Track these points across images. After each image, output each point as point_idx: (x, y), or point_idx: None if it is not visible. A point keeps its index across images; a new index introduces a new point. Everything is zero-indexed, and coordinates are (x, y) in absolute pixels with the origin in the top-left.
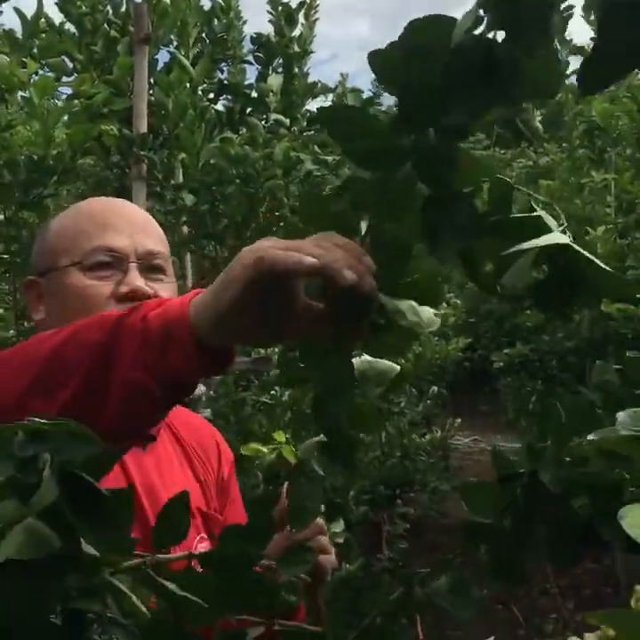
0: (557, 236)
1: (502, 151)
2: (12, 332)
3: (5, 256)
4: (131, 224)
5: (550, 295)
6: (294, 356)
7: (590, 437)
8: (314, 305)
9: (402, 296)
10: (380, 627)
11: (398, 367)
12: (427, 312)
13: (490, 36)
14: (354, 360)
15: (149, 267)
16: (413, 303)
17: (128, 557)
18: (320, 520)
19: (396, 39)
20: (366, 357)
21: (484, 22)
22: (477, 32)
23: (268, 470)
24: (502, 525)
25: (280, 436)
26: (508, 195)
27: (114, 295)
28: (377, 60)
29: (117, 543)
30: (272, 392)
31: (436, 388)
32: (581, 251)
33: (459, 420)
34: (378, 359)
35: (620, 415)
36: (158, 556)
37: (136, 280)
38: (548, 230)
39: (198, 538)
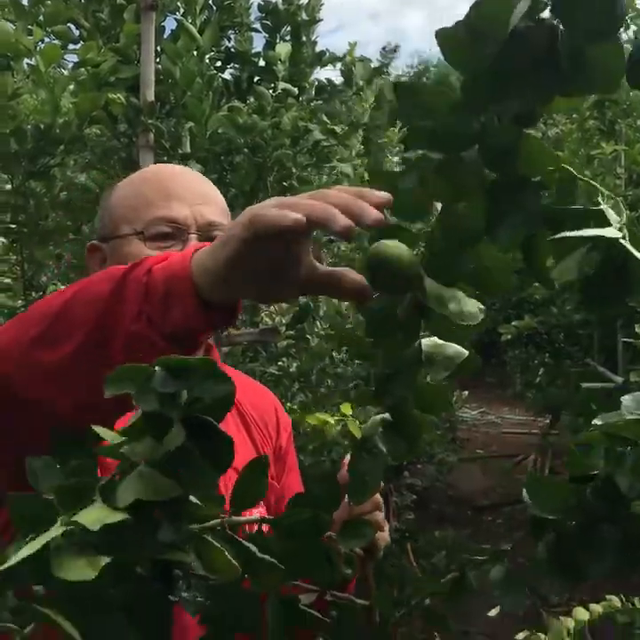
0: (609, 230)
1: None
2: (20, 302)
3: (13, 226)
4: (193, 194)
5: (597, 292)
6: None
7: (596, 422)
8: (319, 268)
9: (464, 282)
10: (428, 608)
11: (466, 352)
12: (471, 305)
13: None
14: (423, 341)
15: (209, 238)
16: (459, 293)
17: (218, 513)
18: (378, 496)
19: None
20: (435, 339)
21: (548, 6)
22: (539, 16)
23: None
24: (568, 525)
25: (346, 409)
26: (573, 185)
27: None
28: (443, 39)
29: (211, 498)
30: (280, 363)
31: None
32: (629, 246)
33: (466, 393)
34: (447, 342)
35: (625, 399)
36: (233, 518)
37: None
38: (608, 224)
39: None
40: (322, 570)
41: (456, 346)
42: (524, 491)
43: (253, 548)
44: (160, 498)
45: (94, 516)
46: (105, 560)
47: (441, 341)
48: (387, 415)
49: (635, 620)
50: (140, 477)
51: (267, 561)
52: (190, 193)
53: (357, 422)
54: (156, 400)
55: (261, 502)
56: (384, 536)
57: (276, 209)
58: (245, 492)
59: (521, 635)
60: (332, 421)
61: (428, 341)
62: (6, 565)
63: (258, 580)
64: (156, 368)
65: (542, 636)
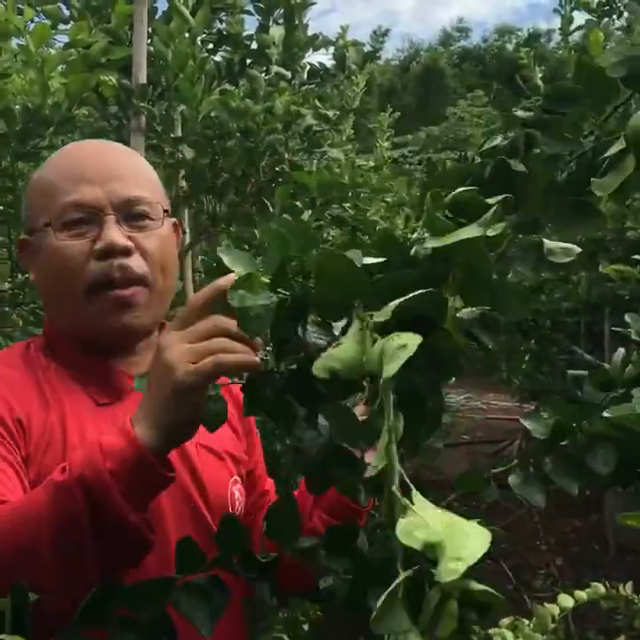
0: None
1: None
2: (7, 284)
3: (1, 207)
4: (103, 172)
5: None
6: None
7: (606, 414)
8: None
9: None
10: None
11: (579, 249)
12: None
13: None
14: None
15: (130, 215)
16: None
17: None
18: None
19: None
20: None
21: None
22: None
23: None
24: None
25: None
26: None
27: (91, 253)
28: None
29: None
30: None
31: None
32: None
33: (452, 378)
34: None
35: (636, 391)
36: None
37: (112, 234)
38: None
39: (232, 480)
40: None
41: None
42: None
43: None
44: None
45: None
46: None
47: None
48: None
49: (619, 605)
50: None
51: None
52: (100, 171)
53: None
54: None
55: (238, 477)
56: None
57: (186, 371)
58: None
59: (506, 620)
60: None
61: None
62: None
63: None
64: None
65: (526, 621)
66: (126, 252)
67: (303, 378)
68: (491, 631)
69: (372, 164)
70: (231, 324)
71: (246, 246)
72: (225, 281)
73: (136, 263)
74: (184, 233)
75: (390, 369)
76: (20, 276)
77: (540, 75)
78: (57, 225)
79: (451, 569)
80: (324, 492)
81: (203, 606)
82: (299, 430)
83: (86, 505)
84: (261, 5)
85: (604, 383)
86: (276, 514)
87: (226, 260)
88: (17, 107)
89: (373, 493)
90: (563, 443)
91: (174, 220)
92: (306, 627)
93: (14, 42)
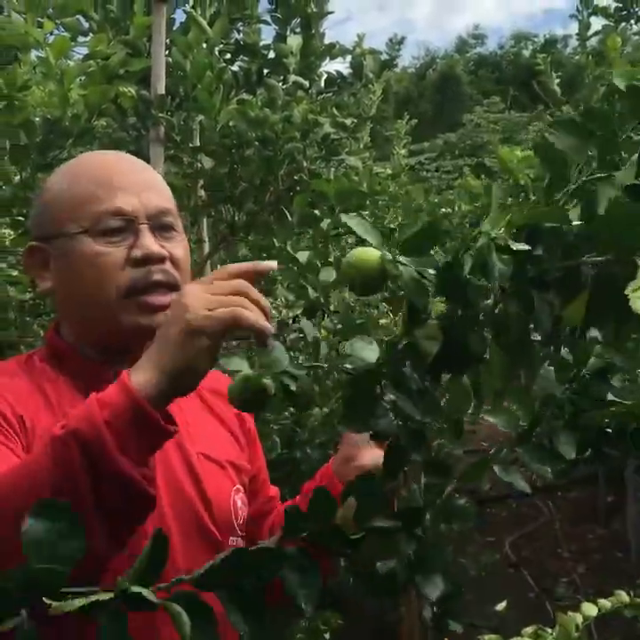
0: None
1: (518, 114)
2: (28, 294)
3: (21, 219)
4: (137, 182)
5: None
6: None
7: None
8: None
9: None
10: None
11: None
12: None
13: None
14: None
15: (160, 225)
16: None
17: None
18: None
19: None
20: None
21: None
22: None
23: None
24: None
25: None
26: None
27: (128, 260)
28: None
29: None
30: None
31: None
32: None
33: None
34: None
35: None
36: None
37: (149, 243)
38: None
39: (234, 489)
40: None
41: None
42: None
43: None
44: None
45: None
46: None
47: None
48: None
49: None
50: None
51: None
52: (133, 181)
53: None
54: None
55: (240, 486)
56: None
57: (205, 315)
58: None
59: (528, 629)
60: None
61: None
62: None
63: None
64: None
65: (549, 630)
66: (162, 260)
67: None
68: None
69: (389, 171)
70: (253, 289)
71: (265, 255)
72: (264, 265)
73: (171, 270)
74: (203, 242)
75: None
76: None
77: (556, 80)
78: (94, 231)
79: None
80: (396, 476)
81: (305, 582)
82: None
83: (83, 457)
84: (278, 15)
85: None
86: (357, 492)
87: (356, 228)
88: (37, 119)
89: None
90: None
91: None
92: (327, 636)
93: (34, 54)
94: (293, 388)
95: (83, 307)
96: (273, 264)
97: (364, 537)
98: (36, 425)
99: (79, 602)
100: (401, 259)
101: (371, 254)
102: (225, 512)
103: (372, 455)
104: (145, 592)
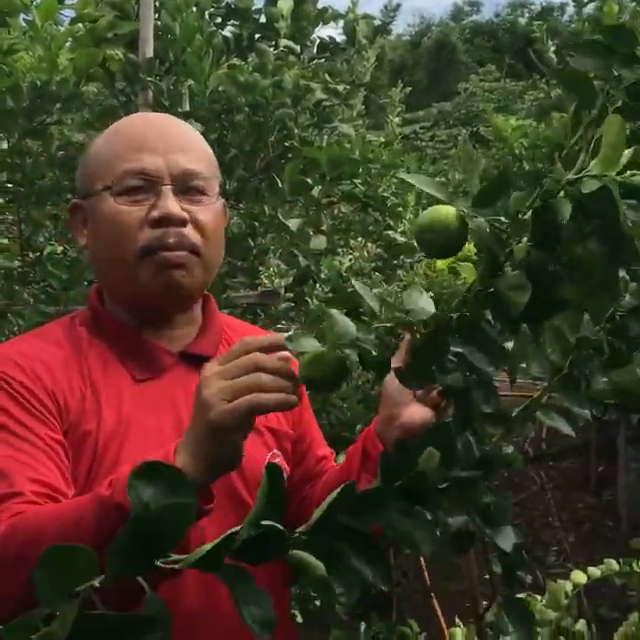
0: None
1: (513, 83)
2: (17, 262)
3: (9, 185)
4: (166, 143)
5: None
6: None
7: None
8: None
9: None
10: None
11: None
12: None
13: None
14: None
15: (186, 188)
16: None
17: None
18: None
19: None
20: None
21: None
22: None
23: None
24: None
25: None
26: None
27: (146, 220)
28: None
29: None
30: (279, 325)
31: None
32: None
33: None
34: None
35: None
36: None
37: (169, 204)
38: None
39: (269, 454)
40: None
41: None
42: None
43: None
44: None
45: None
46: None
47: None
48: None
49: (632, 582)
50: None
51: None
52: (164, 142)
53: None
54: None
55: (278, 451)
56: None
57: (225, 407)
58: None
59: (518, 596)
60: None
61: None
62: None
63: None
64: None
65: (539, 598)
66: (181, 223)
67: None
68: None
69: (382, 139)
70: (270, 360)
71: (256, 223)
72: (279, 338)
73: (189, 233)
74: None
75: None
76: (31, 254)
77: (552, 48)
78: (115, 190)
79: None
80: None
81: (418, 524)
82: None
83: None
84: None
85: None
86: (435, 442)
87: (421, 185)
88: (25, 83)
89: None
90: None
91: (224, 200)
92: (317, 602)
93: (22, 18)
94: (375, 353)
95: (105, 266)
96: (280, 336)
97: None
98: (68, 398)
99: (204, 548)
100: (472, 212)
101: (447, 212)
102: (259, 477)
103: (418, 413)
104: (277, 525)
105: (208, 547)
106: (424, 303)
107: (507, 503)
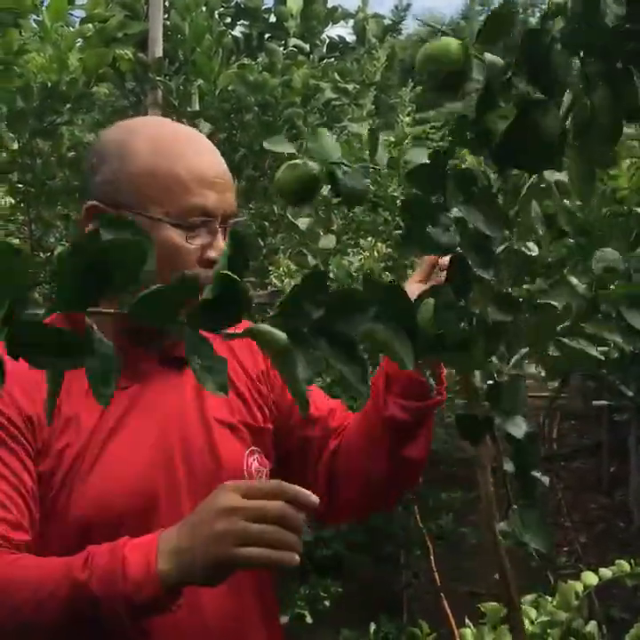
0: None
1: None
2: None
3: (20, 185)
4: (223, 180)
5: None
6: None
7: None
8: None
9: None
10: None
11: None
12: None
13: None
14: None
15: (227, 228)
16: None
17: None
18: None
19: None
20: None
21: None
22: None
23: None
24: None
25: None
26: None
27: (201, 260)
28: None
29: None
30: None
31: None
32: None
33: None
34: None
35: None
36: None
37: (223, 246)
38: None
39: (248, 451)
40: None
41: None
42: None
43: None
44: None
45: None
46: None
47: None
48: None
49: None
50: None
51: None
52: (220, 178)
53: None
54: None
55: (256, 448)
56: None
57: (236, 548)
58: None
59: (529, 597)
60: None
61: None
62: None
63: None
64: None
65: (550, 599)
66: None
67: None
68: None
69: (392, 139)
70: (295, 518)
71: (265, 223)
72: (308, 499)
73: None
74: None
75: None
76: (41, 254)
77: None
78: (177, 223)
79: None
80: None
81: (398, 337)
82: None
83: (95, 618)
84: None
85: None
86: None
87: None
88: (35, 84)
89: None
90: None
91: None
92: (327, 603)
93: (32, 18)
94: (341, 176)
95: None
96: (315, 499)
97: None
98: (42, 417)
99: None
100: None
101: (450, 43)
102: (237, 474)
103: (417, 287)
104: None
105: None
106: (424, 157)
107: (517, 389)
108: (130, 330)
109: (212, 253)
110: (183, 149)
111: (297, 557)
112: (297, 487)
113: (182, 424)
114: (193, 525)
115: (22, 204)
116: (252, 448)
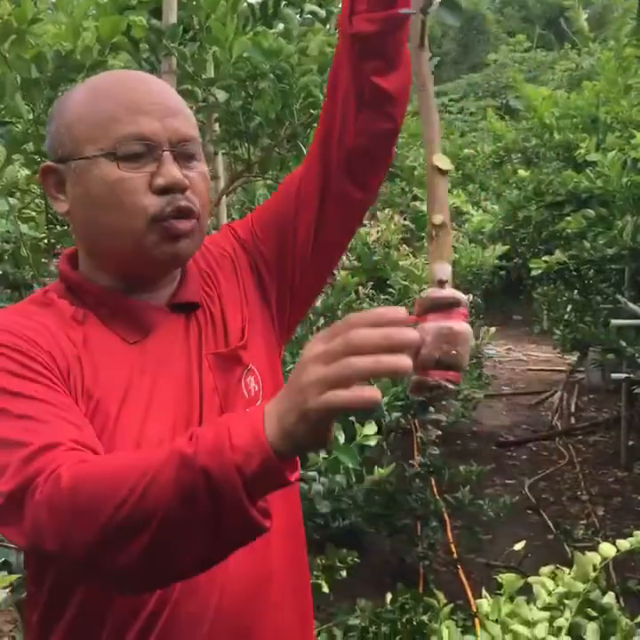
0: None
1: (544, 53)
2: (43, 234)
3: (36, 156)
4: (161, 105)
5: None
6: None
7: None
8: None
9: None
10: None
11: None
12: None
13: None
14: None
15: (182, 153)
16: None
17: None
18: None
19: None
20: None
21: None
22: None
23: None
24: None
25: None
26: None
27: (151, 188)
28: None
29: None
30: None
31: (471, 297)
32: None
33: (493, 329)
34: None
35: None
36: None
37: (173, 171)
38: None
39: (244, 373)
40: None
41: None
42: None
43: None
44: None
45: None
46: None
47: None
48: None
49: None
50: None
51: None
52: (158, 104)
53: None
54: None
55: (252, 366)
56: None
57: (329, 393)
58: None
59: (546, 569)
60: None
61: None
62: None
63: None
64: None
65: (567, 570)
66: (184, 190)
67: None
68: (531, 579)
69: (409, 109)
70: (370, 338)
71: None
72: (394, 313)
73: (193, 200)
74: (218, 178)
75: None
76: (57, 227)
77: (584, 17)
78: (113, 156)
79: None
80: None
81: None
82: None
83: (209, 496)
84: None
85: None
86: None
87: None
88: (49, 53)
89: None
90: None
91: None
92: (343, 573)
93: None
94: None
95: (103, 233)
96: (401, 312)
97: None
98: (71, 365)
99: None
100: None
101: None
102: (237, 402)
103: None
104: None
105: None
106: None
107: None
108: (131, 281)
109: (159, 180)
110: (116, 87)
111: (378, 397)
112: (370, 312)
113: (189, 376)
114: (288, 387)
115: (37, 176)
116: (251, 367)
